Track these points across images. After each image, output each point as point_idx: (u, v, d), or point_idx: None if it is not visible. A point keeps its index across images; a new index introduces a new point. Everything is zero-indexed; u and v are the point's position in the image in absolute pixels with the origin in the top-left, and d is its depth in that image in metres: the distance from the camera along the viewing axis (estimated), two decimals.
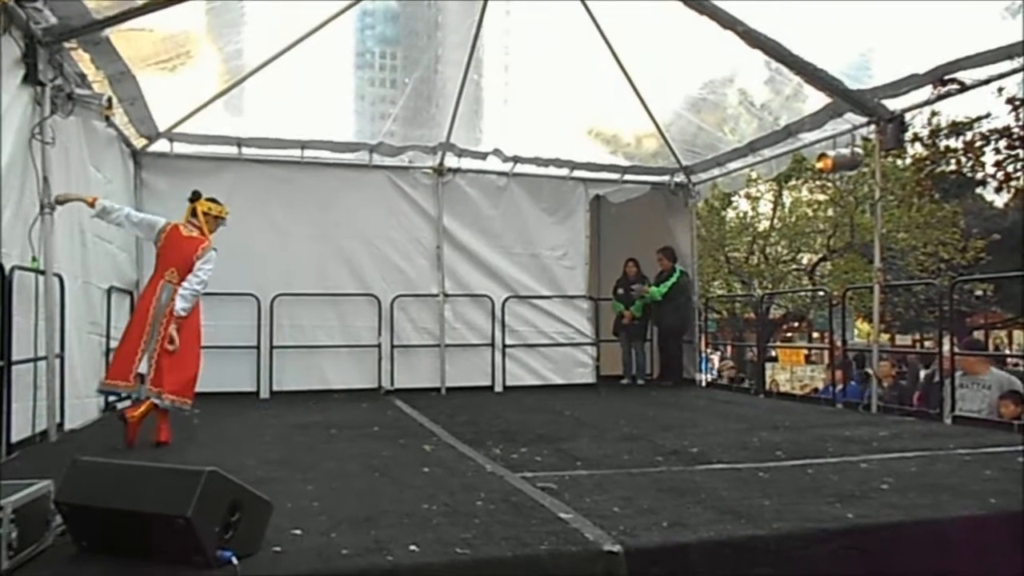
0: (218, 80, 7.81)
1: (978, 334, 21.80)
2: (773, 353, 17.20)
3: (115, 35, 5.85)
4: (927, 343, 24.86)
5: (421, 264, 9.37)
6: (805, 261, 23.64)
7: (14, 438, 4.74)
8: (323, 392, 8.59)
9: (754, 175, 11.61)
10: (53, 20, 5.18)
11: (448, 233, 9.45)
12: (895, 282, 18.19)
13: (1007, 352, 23.15)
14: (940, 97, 6.77)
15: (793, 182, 21.16)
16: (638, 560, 2.84)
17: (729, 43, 6.91)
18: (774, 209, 22.59)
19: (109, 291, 6.97)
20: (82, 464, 2.84)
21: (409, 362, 9.20)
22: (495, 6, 7.95)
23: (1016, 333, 27.67)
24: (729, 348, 19.83)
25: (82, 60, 5.91)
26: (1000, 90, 13.96)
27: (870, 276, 8.42)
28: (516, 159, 9.53)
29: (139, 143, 8.12)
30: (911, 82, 6.80)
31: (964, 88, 6.53)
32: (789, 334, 29.09)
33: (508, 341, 9.57)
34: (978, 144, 16.42)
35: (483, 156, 9.43)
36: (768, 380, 11.28)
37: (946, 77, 6.51)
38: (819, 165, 8.01)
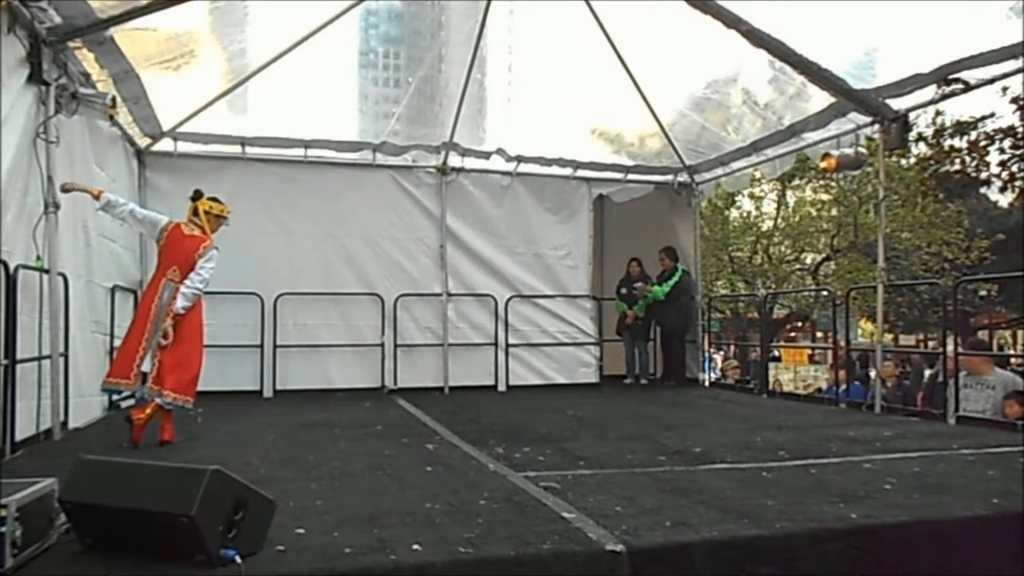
0: (222, 79, 7.82)
1: (982, 334, 21.77)
2: (776, 353, 17.18)
3: (119, 34, 5.87)
4: (931, 343, 24.80)
5: (424, 263, 9.37)
6: (809, 261, 23.61)
7: (19, 436, 4.75)
8: (326, 391, 8.60)
9: (758, 175, 11.59)
10: (57, 19, 5.19)
11: (451, 232, 9.45)
12: (899, 282, 18.12)
13: (1011, 352, 23.10)
14: (944, 97, 6.75)
15: (797, 182, 21.13)
16: (641, 560, 2.84)
17: (733, 42, 6.89)
18: (778, 209, 22.56)
19: (113, 290, 6.98)
20: (86, 462, 2.85)
21: (412, 361, 9.21)
22: (498, 5, 7.94)
23: (1020, 333, 27.61)
24: (733, 348, 19.80)
25: (86, 59, 5.92)
26: (1005, 89, 13.92)
27: (874, 276, 8.41)
28: (519, 158, 9.53)
29: (143, 142, 8.14)
30: (915, 81, 6.78)
31: (968, 88, 6.52)
32: (793, 334, 29.08)
33: (511, 340, 9.57)
34: (982, 144, 16.38)
35: (486, 155, 9.43)
36: (771, 380, 11.27)
37: (950, 77, 6.49)
38: (823, 165, 7.99)
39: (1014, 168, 16.11)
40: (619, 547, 2.86)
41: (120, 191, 6.72)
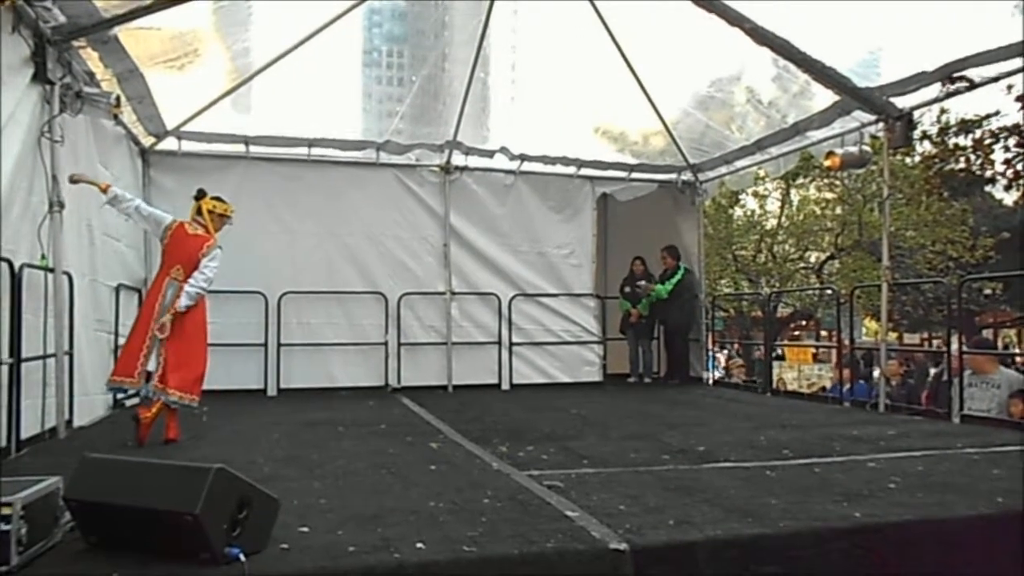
0: (226, 78, 7.83)
1: (987, 333, 21.66)
2: (780, 352, 17.15)
3: (123, 33, 5.88)
4: (935, 342, 24.76)
5: (428, 262, 9.38)
6: (813, 259, 23.58)
7: (24, 435, 4.77)
8: (330, 390, 8.62)
9: (761, 173, 11.59)
10: (62, 19, 5.20)
11: (455, 231, 9.46)
12: (903, 280, 18.10)
13: (1016, 351, 23.04)
14: (949, 95, 6.73)
15: (801, 180, 21.08)
16: (644, 558, 2.85)
17: (736, 41, 6.88)
18: (782, 207, 22.52)
19: (117, 289, 7.00)
20: (91, 461, 2.86)
21: (416, 360, 9.21)
22: (502, 4, 7.94)
23: None
24: (737, 346, 19.78)
25: (91, 58, 5.94)
26: (1009, 87, 13.87)
27: (878, 274, 8.42)
28: (523, 157, 9.53)
29: (147, 141, 8.16)
30: (920, 79, 6.76)
31: (973, 85, 6.49)
32: (797, 333, 29.03)
33: (515, 339, 9.57)
34: (987, 142, 16.35)
35: (490, 154, 9.43)
36: (775, 379, 11.26)
37: (955, 74, 6.47)
38: (827, 163, 7.96)
39: (1019, 166, 16.08)
40: (623, 546, 2.86)
41: (124, 190, 6.72)
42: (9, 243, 4.71)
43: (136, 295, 7.61)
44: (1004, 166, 16.69)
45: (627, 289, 10.31)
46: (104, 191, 5.50)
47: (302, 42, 7.54)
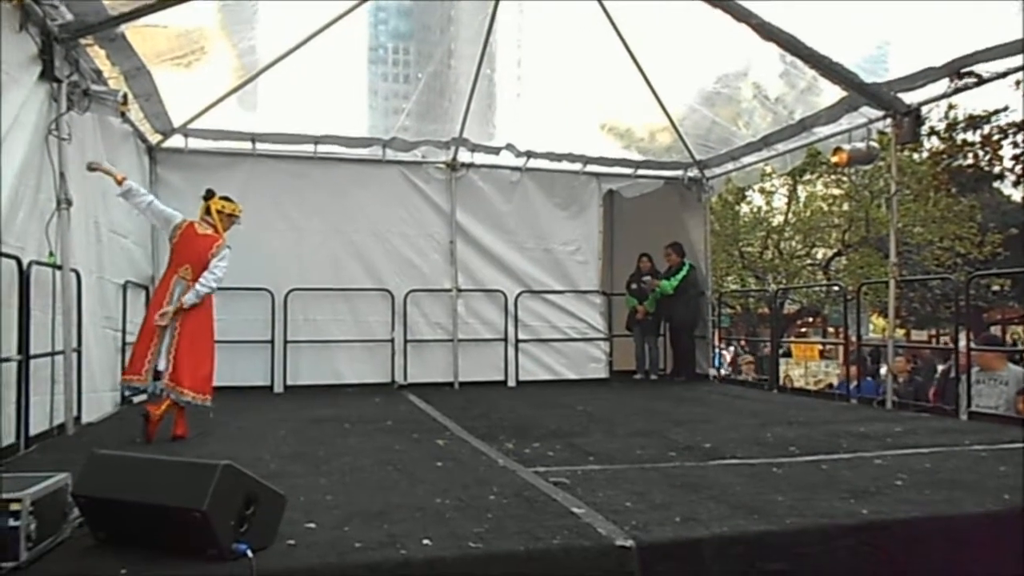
0: (232, 76, 7.84)
1: (995, 329, 21.57)
2: (787, 348, 17.13)
3: (130, 31, 5.90)
4: (943, 339, 24.66)
5: (434, 259, 9.38)
6: (820, 256, 23.49)
7: (32, 431, 4.80)
8: (336, 386, 8.64)
9: (768, 169, 11.56)
10: (69, 17, 5.22)
11: (461, 228, 9.46)
12: (911, 277, 18.05)
13: None
14: (957, 90, 6.70)
15: (808, 176, 21.02)
16: (650, 555, 2.84)
17: (743, 36, 6.85)
18: (788, 204, 22.45)
19: (125, 286, 7.02)
20: (99, 457, 2.87)
21: (422, 357, 9.23)
22: (508, 2, 7.93)
23: None
24: (743, 343, 19.75)
25: (98, 56, 5.95)
26: (1018, 83, 13.84)
27: (885, 271, 8.37)
28: (529, 154, 9.52)
29: (154, 139, 8.18)
30: (927, 75, 6.73)
31: (981, 81, 6.46)
32: (803, 329, 28.95)
33: (521, 336, 9.57)
34: (995, 138, 16.30)
35: (496, 151, 9.42)
36: (782, 375, 11.23)
37: (963, 70, 6.44)
38: (834, 159, 7.94)
39: None
40: (629, 542, 2.86)
41: (118, 190, 6.76)
42: (18, 241, 4.74)
43: (143, 292, 7.64)
44: (1012, 162, 16.66)
45: (633, 286, 10.30)
46: (120, 183, 5.55)
47: (308, 39, 7.54)
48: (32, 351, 4.79)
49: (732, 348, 18.72)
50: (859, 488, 3.73)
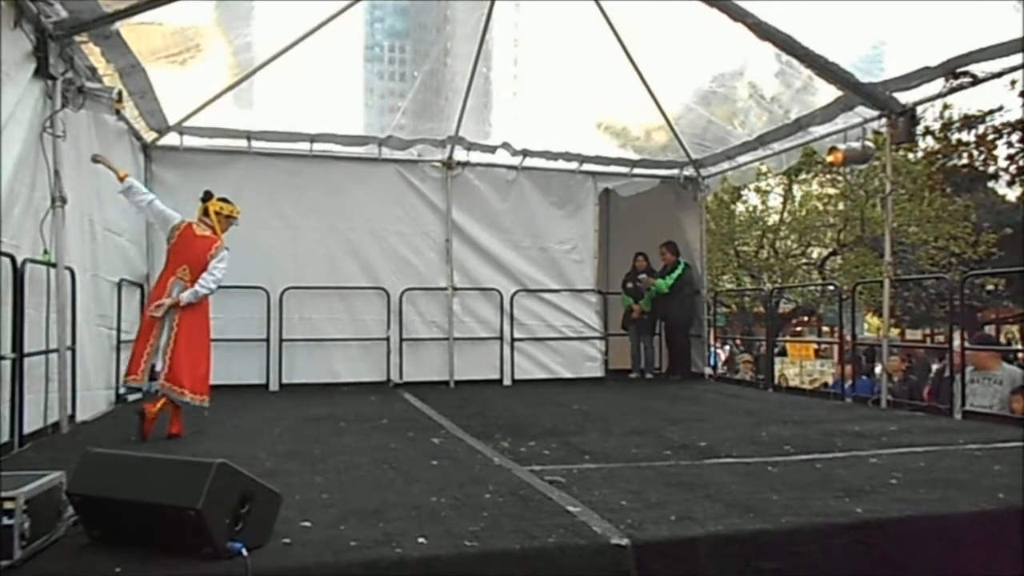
0: (228, 73, 7.83)
1: (989, 329, 21.65)
2: (782, 347, 17.15)
3: (125, 29, 5.88)
4: (938, 338, 24.74)
5: (430, 257, 9.38)
6: (815, 255, 23.57)
7: (26, 429, 4.78)
8: (332, 385, 8.63)
9: (764, 169, 11.54)
10: (64, 14, 5.21)
11: (457, 226, 9.45)
12: (906, 276, 18.10)
13: (1018, 347, 23.02)
14: (952, 90, 6.71)
15: (803, 176, 21.06)
16: (646, 553, 2.85)
17: (739, 36, 6.86)
18: (784, 203, 22.50)
19: (119, 284, 7.01)
20: (94, 455, 2.86)
21: (418, 355, 9.22)
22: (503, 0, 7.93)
23: None
24: (738, 342, 19.78)
25: (92, 54, 5.93)
26: (1013, 83, 13.87)
27: (880, 270, 8.41)
28: (525, 152, 9.52)
29: (149, 136, 8.16)
30: (923, 75, 6.74)
31: (976, 81, 6.47)
32: (799, 328, 29.02)
33: (517, 335, 9.57)
34: (990, 138, 16.33)
35: (492, 150, 9.42)
36: (777, 374, 11.26)
37: (958, 70, 6.45)
38: (829, 159, 7.96)
39: (1022, 162, 16.06)
40: (624, 541, 2.86)
41: (119, 187, 6.74)
42: (12, 238, 4.72)
43: (138, 290, 7.62)
44: (1007, 162, 16.70)
45: (629, 285, 10.31)
46: (121, 180, 5.57)
47: (304, 37, 7.53)
48: (26, 349, 4.77)
49: (727, 347, 18.76)
50: (854, 487, 3.73)
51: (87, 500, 2.75)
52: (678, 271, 10.00)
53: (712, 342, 11.12)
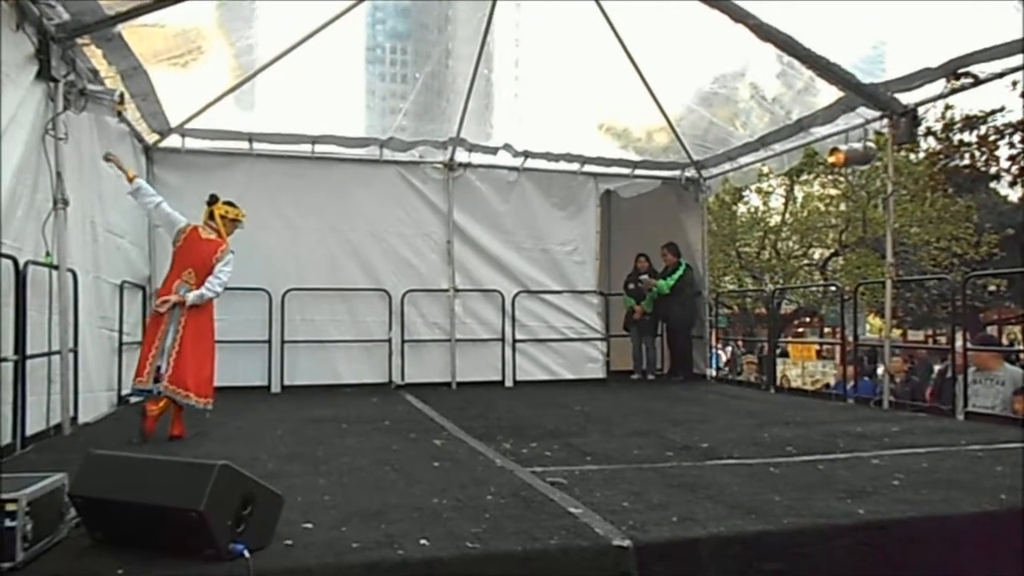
0: (230, 75, 7.83)
1: (991, 330, 21.62)
2: (784, 348, 17.14)
3: (127, 31, 5.89)
4: (940, 339, 24.71)
5: (431, 259, 9.38)
6: (817, 256, 23.53)
7: (29, 431, 4.79)
8: (334, 386, 8.63)
9: (765, 170, 11.56)
10: (66, 16, 5.21)
11: (458, 228, 9.46)
12: (907, 277, 18.08)
13: (1020, 348, 22.99)
14: (954, 91, 6.72)
15: (805, 177, 21.04)
16: (648, 555, 2.84)
17: (740, 37, 6.87)
18: (785, 204, 22.48)
19: (121, 286, 7.01)
20: (96, 457, 2.86)
21: (419, 357, 9.22)
22: (505, 1, 7.93)
23: None
24: (740, 343, 19.76)
25: (94, 56, 5.94)
26: (1014, 84, 13.87)
27: (882, 271, 8.39)
28: (526, 154, 9.52)
29: (151, 138, 8.16)
30: (924, 76, 6.74)
31: (978, 82, 6.47)
32: (800, 329, 28.99)
33: (518, 336, 9.57)
34: (992, 138, 16.34)
35: (493, 151, 9.42)
36: (779, 375, 11.24)
37: (960, 71, 6.45)
38: (831, 159, 7.95)
39: (1023, 162, 16.04)
40: (626, 542, 2.86)
41: (128, 187, 6.75)
42: (15, 240, 4.73)
43: (140, 292, 7.63)
44: (1009, 162, 16.71)
45: (631, 286, 10.31)
46: (130, 180, 5.62)
47: (305, 39, 7.54)
48: (29, 351, 4.78)
49: (729, 348, 18.74)
50: (856, 488, 3.73)
51: (89, 502, 2.75)
52: (679, 272, 10.00)
53: (714, 343, 11.11)
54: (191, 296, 5.29)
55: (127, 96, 6.43)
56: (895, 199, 8.83)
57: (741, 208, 22.62)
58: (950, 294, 14.89)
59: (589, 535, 2.95)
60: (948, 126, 17.51)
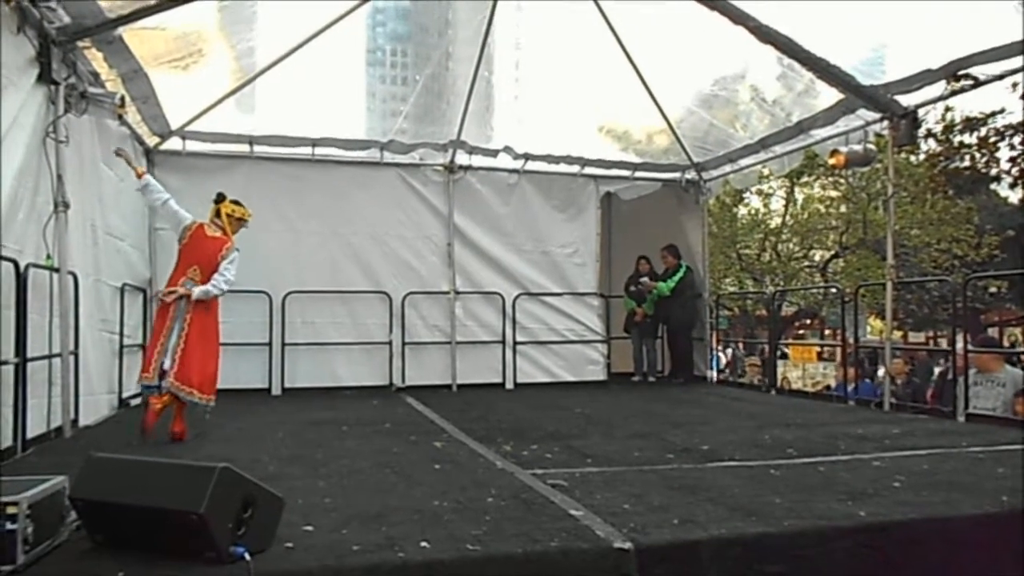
0: (230, 78, 7.84)
1: (992, 331, 21.63)
2: (785, 350, 17.15)
3: (128, 34, 5.89)
4: (941, 340, 24.69)
5: (432, 261, 9.38)
6: (817, 258, 23.53)
7: (30, 434, 4.79)
8: (334, 389, 8.63)
9: (766, 172, 11.57)
10: (67, 19, 5.21)
11: (459, 230, 9.46)
12: (908, 279, 18.07)
13: (1022, 349, 22.99)
14: (954, 92, 6.72)
15: (805, 179, 21.05)
16: (648, 557, 2.84)
17: (741, 39, 6.87)
18: (786, 206, 22.49)
19: (122, 289, 7.01)
20: (97, 460, 2.87)
21: (420, 359, 9.22)
22: (505, 3, 7.93)
23: None
24: (741, 345, 19.75)
25: (95, 59, 5.95)
26: (1014, 85, 13.87)
27: (883, 273, 8.38)
28: (527, 156, 9.53)
29: (152, 141, 8.17)
30: (924, 77, 6.75)
31: (978, 83, 6.47)
32: (801, 331, 28.98)
33: (519, 338, 9.57)
34: (992, 140, 16.34)
35: (494, 153, 9.43)
36: (780, 377, 11.24)
37: (960, 72, 6.45)
38: (831, 161, 7.96)
39: None
40: (627, 544, 2.86)
41: (129, 190, 6.76)
42: (16, 243, 4.73)
43: (141, 295, 7.63)
44: (1009, 164, 16.72)
45: (632, 288, 10.31)
46: (139, 176, 5.75)
47: (306, 42, 7.55)
48: (29, 354, 4.78)
49: (730, 350, 18.73)
50: (857, 490, 3.73)
51: (90, 505, 2.75)
52: (680, 274, 10.00)
53: (714, 345, 11.11)
54: (197, 291, 5.32)
55: (128, 99, 6.44)
56: (895, 201, 8.84)
57: (742, 210, 22.63)
58: (951, 296, 14.88)
59: (590, 537, 2.95)
60: (948, 128, 17.52)
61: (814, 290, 22.41)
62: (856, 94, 7.30)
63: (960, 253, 19.37)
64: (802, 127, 8.28)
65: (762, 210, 22.72)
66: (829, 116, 7.88)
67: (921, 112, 7.47)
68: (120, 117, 6.44)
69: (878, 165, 10.45)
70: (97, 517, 2.77)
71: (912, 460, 4.60)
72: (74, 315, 5.52)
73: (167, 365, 5.23)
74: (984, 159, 17.04)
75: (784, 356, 16.34)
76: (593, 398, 8.31)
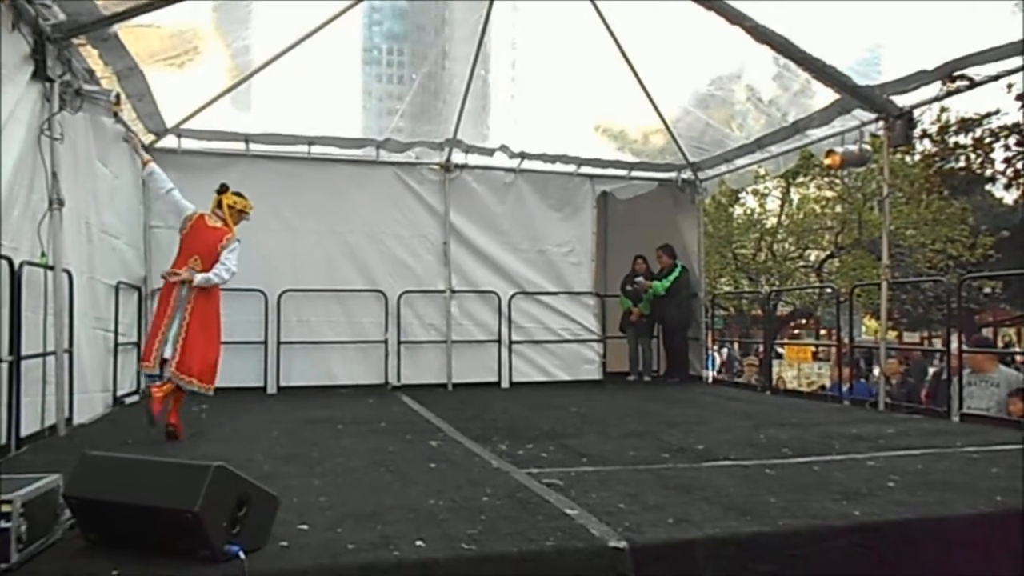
0: (226, 76, 7.82)
1: (987, 331, 21.68)
2: (780, 350, 17.16)
3: (123, 31, 5.88)
4: (935, 340, 24.76)
5: (428, 260, 9.38)
6: (813, 258, 23.59)
7: (24, 432, 4.77)
8: (330, 388, 8.62)
9: (762, 171, 11.57)
10: (62, 16, 5.20)
11: (455, 229, 9.45)
12: (903, 279, 18.12)
13: (1016, 349, 23.05)
14: (949, 93, 6.73)
15: (801, 179, 21.08)
16: (643, 556, 2.85)
17: (737, 39, 6.88)
18: (782, 206, 22.53)
19: (116, 287, 6.99)
20: (91, 458, 2.86)
21: (416, 358, 9.21)
22: (502, 2, 7.93)
23: None
24: (737, 345, 19.77)
25: (90, 56, 5.93)
26: (1010, 86, 13.86)
27: (878, 273, 8.41)
28: (523, 155, 9.52)
29: (147, 139, 8.13)
30: (920, 78, 6.76)
31: (973, 84, 6.49)
32: (796, 331, 29.04)
33: (515, 337, 9.57)
34: (987, 140, 16.36)
35: (490, 152, 9.42)
36: (775, 377, 11.26)
37: (955, 73, 6.47)
38: (827, 162, 7.98)
39: (1019, 165, 16.09)
40: (622, 544, 2.86)
41: (124, 188, 6.76)
42: (11, 241, 4.71)
43: (135, 293, 7.61)
44: (1004, 165, 16.73)
45: (628, 287, 10.32)
46: (144, 165, 5.90)
47: (302, 40, 7.53)
48: (23, 352, 4.76)
49: (725, 350, 18.74)
50: (851, 490, 3.74)
51: (84, 503, 2.75)
52: (675, 274, 10.02)
53: (710, 345, 11.12)
54: (199, 277, 5.33)
55: (123, 96, 6.41)
56: (891, 201, 8.86)
57: (737, 210, 22.67)
58: (946, 296, 14.93)
59: (585, 536, 2.95)
60: (943, 128, 17.52)
61: (809, 290, 22.44)
62: (852, 94, 7.31)
63: (955, 253, 19.42)
64: (798, 127, 8.29)
65: (758, 210, 22.78)
66: (825, 116, 7.89)
67: (916, 113, 7.51)
68: (115, 115, 6.41)
69: (873, 165, 10.48)
70: (91, 515, 2.76)
71: (906, 460, 4.61)
72: (68, 313, 5.50)
73: (168, 354, 5.24)
74: (979, 160, 17.05)
75: (779, 356, 16.36)
76: (589, 397, 8.32)
